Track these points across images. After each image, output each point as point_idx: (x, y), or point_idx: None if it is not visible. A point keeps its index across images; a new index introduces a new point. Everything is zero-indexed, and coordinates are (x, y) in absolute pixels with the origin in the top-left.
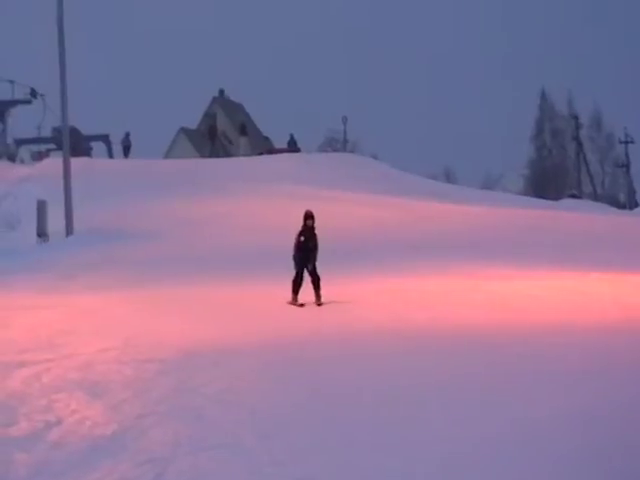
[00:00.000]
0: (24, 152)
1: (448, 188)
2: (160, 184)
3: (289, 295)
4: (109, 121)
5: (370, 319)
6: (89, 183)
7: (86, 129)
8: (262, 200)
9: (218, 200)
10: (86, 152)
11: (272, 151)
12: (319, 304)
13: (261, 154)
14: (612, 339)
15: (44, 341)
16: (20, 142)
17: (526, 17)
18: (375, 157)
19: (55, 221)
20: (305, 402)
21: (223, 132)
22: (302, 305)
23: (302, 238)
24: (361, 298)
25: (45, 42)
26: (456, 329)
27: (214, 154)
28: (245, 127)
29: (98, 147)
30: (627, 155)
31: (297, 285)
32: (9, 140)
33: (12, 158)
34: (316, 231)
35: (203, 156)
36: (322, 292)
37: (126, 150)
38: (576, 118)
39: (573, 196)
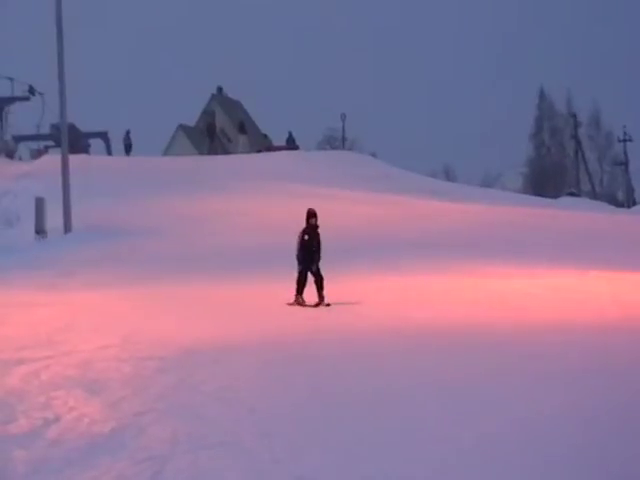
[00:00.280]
0: (23, 150)
1: (447, 186)
2: (159, 182)
3: (289, 293)
4: (107, 118)
5: (369, 317)
6: (87, 180)
7: (84, 126)
8: (261, 198)
9: (217, 198)
10: (84, 149)
11: (271, 149)
12: (321, 304)
13: (259, 152)
14: (611, 337)
15: (43, 338)
16: (19, 139)
17: (525, 16)
18: (374, 155)
19: (53, 218)
20: (305, 400)
21: (222, 129)
22: (307, 305)
23: (306, 237)
24: (360, 296)
25: (44, 39)
26: (456, 327)
27: (212, 151)
28: (244, 125)
29: (96, 144)
30: (626, 153)
31: (301, 285)
32: (7, 137)
33: (11, 155)
34: (319, 230)
35: (202, 153)
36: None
37: (127, 148)
38: (575, 116)
39: (572, 194)
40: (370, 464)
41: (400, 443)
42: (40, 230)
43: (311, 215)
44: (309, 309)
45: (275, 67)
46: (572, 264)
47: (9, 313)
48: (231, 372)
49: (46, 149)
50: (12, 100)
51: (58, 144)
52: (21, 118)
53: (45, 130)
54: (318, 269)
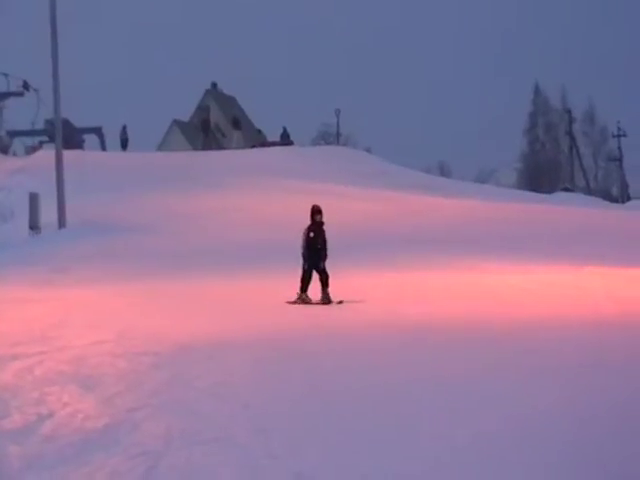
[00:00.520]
0: (18, 145)
1: (442, 182)
2: (154, 177)
3: (285, 289)
4: (102, 114)
5: (366, 313)
6: (82, 176)
7: (79, 122)
8: (256, 194)
9: (212, 194)
10: (78, 145)
11: (265, 144)
12: (325, 302)
13: (254, 147)
14: (607, 334)
15: (37, 334)
16: (13, 134)
17: (520, 12)
18: (368, 150)
19: (48, 214)
20: (301, 396)
21: (216, 125)
22: (313, 303)
23: (311, 234)
24: (357, 292)
25: (38, 35)
26: (452, 323)
27: (207, 147)
28: (238, 120)
29: (90, 140)
30: (620, 149)
31: (306, 283)
32: (2, 132)
33: (5, 150)
34: (325, 227)
35: (196, 149)
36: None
37: (124, 143)
38: (569, 112)
39: (566, 190)
40: (368, 460)
41: (398, 439)
42: (34, 226)
43: (316, 212)
44: (305, 306)
45: (269, 63)
46: (567, 260)
47: (3, 309)
48: (226, 368)
49: (40, 144)
50: (6, 95)
51: (52, 139)
52: (16, 113)
53: (40, 126)
54: (324, 266)
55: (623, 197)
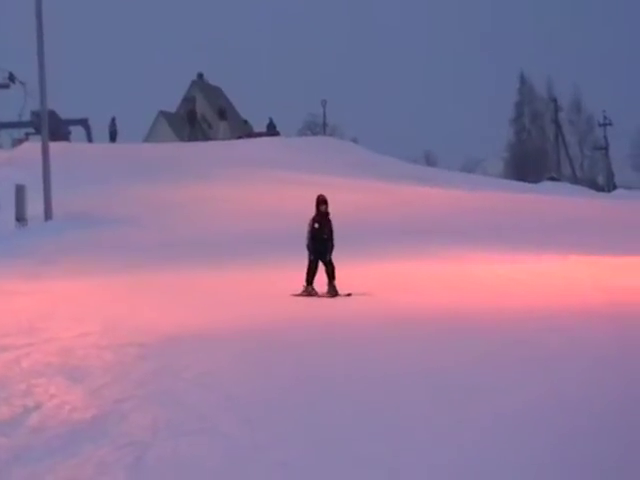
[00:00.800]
0: (4, 137)
1: (430, 172)
2: (141, 168)
3: (274, 280)
4: (88, 105)
5: (355, 303)
6: (68, 167)
7: (65, 113)
8: (244, 185)
9: (199, 185)
10: (65, 136)
11: (251, 135)
12: (332, 295)
13: (240, 138)
14: (594, 323)
15: (24, 326)
16: None
17: (505, 1)
18: (355, 141)
19: (34, 206)
20: (288, 387)
21: (202, 116)
22: (319, 295)
23: (316, 225)
24: (345, 283)
25: (24, 26)
26: (440, 314)
27: (193, 138)
28: (224, 111)
29: (76, 131)
30: (606, 138)
31: (311, 275)
32: None
33: None
34: (330, 217)
35: (182, 140)
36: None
37: (113, 135)
38: (555, 101)
39: (552, 179)
40: (354, 451)
41: (384, 431)
42: (21, 218)
43: (321, 202)
44: (292, 295)
45: (255, 53)
46: (554, 249)
47: None
48: (213, 359)
49: (27, 136)
50: None
51: (38, 131)
52: (1, 106)
53: (26, 118)
54: (330, 258)
55: (609, 186)
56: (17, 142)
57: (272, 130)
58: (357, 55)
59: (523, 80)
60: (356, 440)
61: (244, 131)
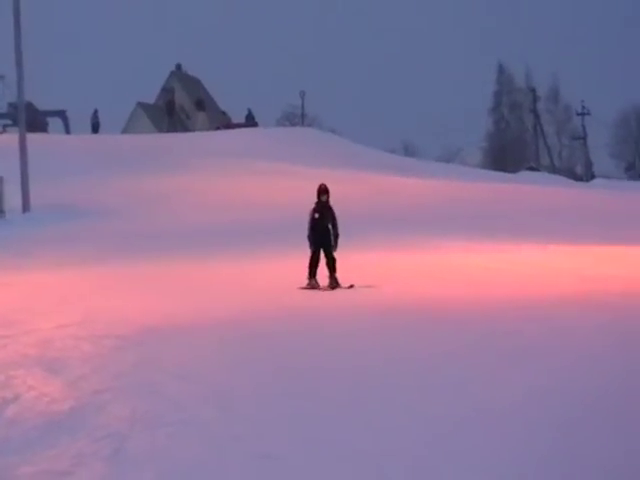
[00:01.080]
0: None
1: (407, 162)
2: (120, 160)
3: (257, 271)
4: (65, 97)
5: (334, 294)
6: (47, 159)
7: (42, 105)
8: (224, 176)
9: (180, 176)
10: (42, 128)
11: (230, 126)
12: (333, 287)
13: (218, 129)
14: (574, 313)
15: (2, 317)
16: None
17: None
18: (333, 131)
19: (14, 198)
20: (269, 378)
21: (181, 107)
22: (321, 288)
23: (316, 215)
24: (326, 274)
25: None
26: (420, 304)
27: (172, 129)
28: (202, 102)
29: (54, 123)
30: (584, 127)
31: (314, 267)
32: None
33: None
34: (331, 205)
35: (161, 131)
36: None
37: (95, 127)
38: (534, 91)
39: (531, 169)
40: (336, 442)
41: (366, 421)
42: None
43: (322, 191)
44: (271, 286)
45: (233, 44)
46: (533, 239)
47: None
48: (193, 350)
49: (4, 128)
50: None
51: (16, 123)
52: None
53: (3, 110)
54: (333, 250)
55: (587, 175)
56: None
57: (251, 121)
58: (335, 46)
59: (501, 69)
60: (339, 431)
61: (222, 122)
